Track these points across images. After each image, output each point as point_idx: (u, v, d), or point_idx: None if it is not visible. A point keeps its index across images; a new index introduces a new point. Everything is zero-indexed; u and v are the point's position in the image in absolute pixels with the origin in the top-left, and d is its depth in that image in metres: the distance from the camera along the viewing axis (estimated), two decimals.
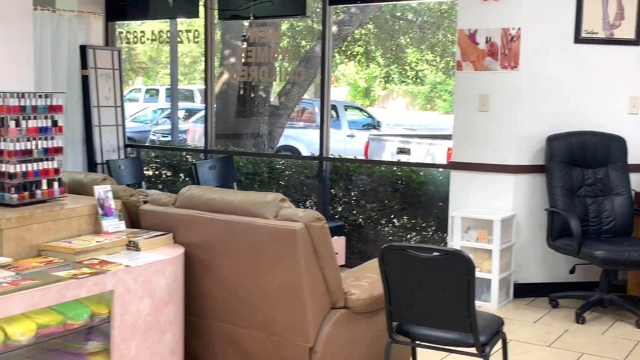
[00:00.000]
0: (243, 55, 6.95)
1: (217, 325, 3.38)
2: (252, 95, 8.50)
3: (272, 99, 8.78)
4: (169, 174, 7.58)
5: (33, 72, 5.75)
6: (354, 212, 6.23)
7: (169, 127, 12.25)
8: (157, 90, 18.17)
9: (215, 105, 6.76)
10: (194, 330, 3.43)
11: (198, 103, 17.13)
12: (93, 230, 3.37)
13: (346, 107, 12.66)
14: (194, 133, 12.54)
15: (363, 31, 12.47)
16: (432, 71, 15.81)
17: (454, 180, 5.38)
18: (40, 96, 3.31)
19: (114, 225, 3.39)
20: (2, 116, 3.18)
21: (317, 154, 6.04)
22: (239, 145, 8.40)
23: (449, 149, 7.93)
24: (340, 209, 6.28)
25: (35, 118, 3.27)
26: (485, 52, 5.22)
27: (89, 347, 2.95)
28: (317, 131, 11.80)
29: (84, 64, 6.33)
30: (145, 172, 6.87)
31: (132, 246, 3.28)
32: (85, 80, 6.34)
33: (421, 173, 6.15)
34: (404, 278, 3.01)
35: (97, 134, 6.44)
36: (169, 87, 18.49)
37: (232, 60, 8.76)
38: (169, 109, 14.85)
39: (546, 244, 5.04)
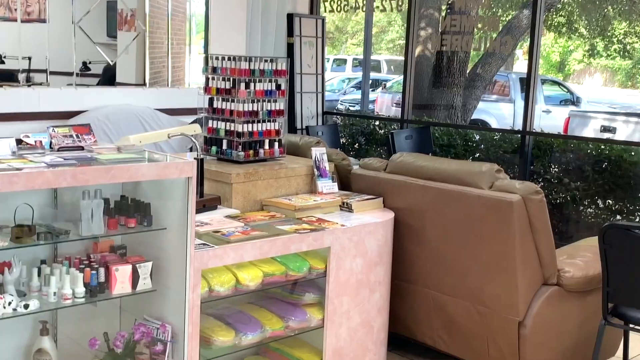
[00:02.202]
0: (444, 23, 6.93)
1: (422, 291, 3.50)
2: (448, 65, 8.46)
3: (468, 70, 8.68)
4: (362, 142, 7.80)
5: (245, 38, 6.16)
6: (555, 190, 6.06)
7: (357, 96, 12.52)
8: (345, 60, 18.60)
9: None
10: (398, 293, 3.57)
11: (384, 73, 17.33)
12: (308, 190, 3.60)
13: (543, 81, 12.20)
14: (381, 103, 12.73)
15: (566, 0, 11.90)
16: None
17: None
18: (266, 60, 3.56)
19: (328, 186, 3.60)
20: (234, 78, 3.48)
21: (509, 128, 5.90)
22: (431, 117, 8.43)
23: None
24: (539, 186, 6.13)
25: (261, 81, 3.53)
26: None
27: (305, 298, 3.18)
28: (510, 105, 11.57)
29: (290, 32, 6.65)
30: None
31: (346, 207, 3.46)
32: (290, 48, 6.66)
33: (632, 153, 5.83)
34: (625, 258, 2.92)
35: (298, 100, 6.77)
36: (356, 56, 18.92)
37: (429, 30, 8.76)
38: (356, 78, 15.20)
39: None
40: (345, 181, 3.82)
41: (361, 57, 15.19)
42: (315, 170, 3.58)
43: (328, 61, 17.36)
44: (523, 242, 3.10)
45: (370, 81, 12.58)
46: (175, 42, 8.92)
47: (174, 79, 8.12)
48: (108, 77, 8.16)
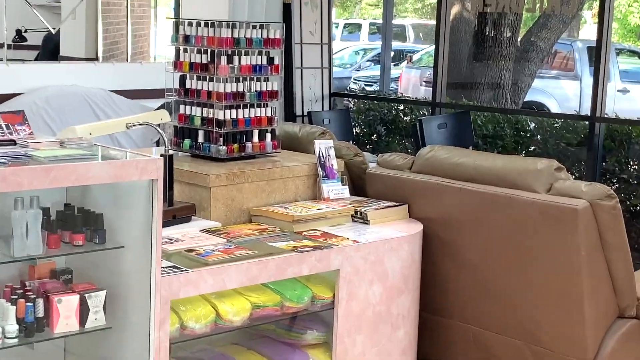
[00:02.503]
0: None
1: (458, 326, 3.51)
2: (493, 32, 8.47)
3: (519, 38, 8.68)
4: (381, 132, 7.81)
5: None
6: (634, 194, 6.07)
7: (375, 73, 12.54)
8: (359, 25, 18.62)
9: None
10: (429, 329, 3.57)
11: (410, 43, 17.34)
12: (311, 195, 3.62)
13: (618, 51, 12.22)
14: (407, 82, 12.74)
15: None
16: None
17: None
18: (255, 26, 3.58)
19: (336, 190, 3.61)
20: (212, 50, 3.49)
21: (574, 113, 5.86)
22: (472, 98, 8.44)
23: None
24: (614, 188, 6.14)
25: (248, 54, 3.55)
26: None
27: (307, 337, 3.19)
28: (575, 82, 11.58)
29: None
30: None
31: (359, 218, 3.48)
32: (286, 10, 6.67)
33: None
34: None
35: (297, 78, 6.78)
36: (374, 21, 18.92)
37: None
38: (374, 49, 15.21)
39: None
40: (359, 184, 3.83)
41: (380, 21, 15.17)
42: (319, 169, 3.59)
43: (337, 27, 17.40)
44: (591, 262, 3.11)
45: (393, 53, 12.60)
46: (137, 3, 8.97)
47: (135, 52, 8.15)
48: (49, 50, 8.20)
